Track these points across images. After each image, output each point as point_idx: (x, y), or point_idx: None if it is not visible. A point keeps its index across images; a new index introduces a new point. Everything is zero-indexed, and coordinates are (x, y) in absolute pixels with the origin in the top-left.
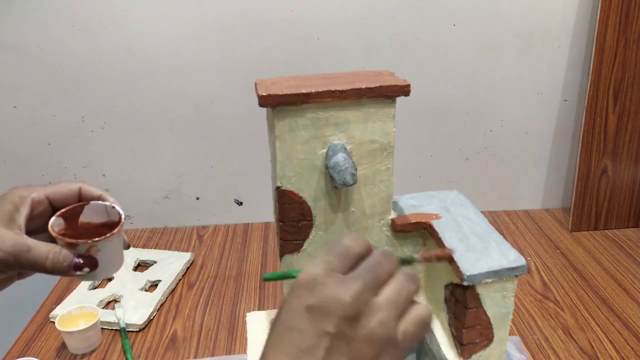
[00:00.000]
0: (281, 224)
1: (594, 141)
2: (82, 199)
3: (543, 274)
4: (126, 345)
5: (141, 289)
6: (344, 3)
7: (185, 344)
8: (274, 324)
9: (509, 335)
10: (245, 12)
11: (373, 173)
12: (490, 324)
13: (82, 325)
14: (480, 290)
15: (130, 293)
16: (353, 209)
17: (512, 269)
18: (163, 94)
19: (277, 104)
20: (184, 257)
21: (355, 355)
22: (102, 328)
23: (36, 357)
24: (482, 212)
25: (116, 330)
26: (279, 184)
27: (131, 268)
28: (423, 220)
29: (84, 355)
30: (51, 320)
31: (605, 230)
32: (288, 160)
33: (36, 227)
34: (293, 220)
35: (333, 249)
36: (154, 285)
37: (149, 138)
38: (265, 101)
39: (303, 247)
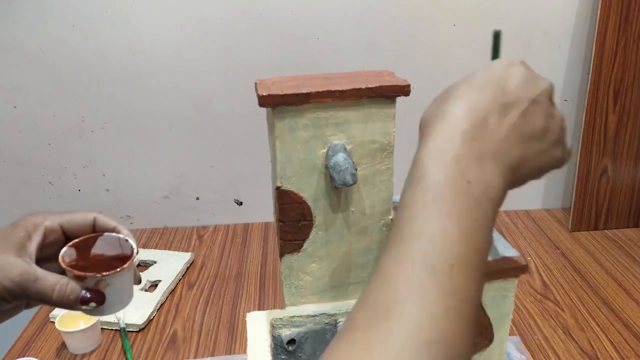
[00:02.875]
0: (281, 224)
1: (594, 141)
2: (96, 230)
3: (543, 274)
4: (126, 345)
5: (141, 289)
6: (344, 3)
7: (185, 344)
8: (473, 79)
9: (509, 335)
10: (245, 12)
11: (373, 173)
12: (490, 324)
13: (82, 325)
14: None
15: None
16: (353, 209)
17: (512, 269)
18: (163, 94)
19: (277, 104)
20: (184, 257)
21: (542, 121)
22: (102, 328)
23: (36, 357)
24: None
25: (116, 330)
26: (279, 184)
27: None
28: None
29: (84, 355)
30: (51, 320)
31: (605, 230)
32: (288, 160)
33: (48, 256)
34: (293, 220)
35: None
36: (154, 285)
37: (149, 138)
38: (265, 101)
39: (303, 247)
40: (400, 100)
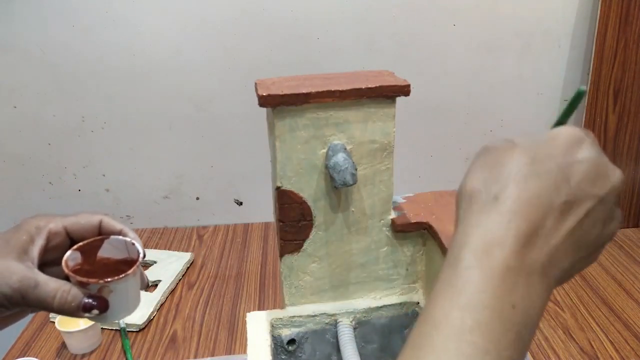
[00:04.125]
0: (281, 224)
1: None
2: (102, 233)
3: None
4: (126, 345)
5: (141, 289)
6: (344, 3)
7: (185, 344)
8: (531, 172)
9: None
10: (245, 11)
11: (373, 173)
12: None
13: (82, 325)
14: None
15: None
16: (353, 209)
17: None
18: (163, 94)
19: (277, 104)
20: (184, 257)
21: (600, 227)
22: (102, 328)
23: (36, 357)
24: None
25: (116, 330)
26: (279, 184)
27: None
28: (424, 220)
29: (84, 355)
30: (51, 320)
31: None
32: (288, 160)
33: (52, 259)
34: (293, 220)
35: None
36: (154, 285)
37: (149, 138)
38: (265, 101)
39: (303, 247)
40: (400, 100)
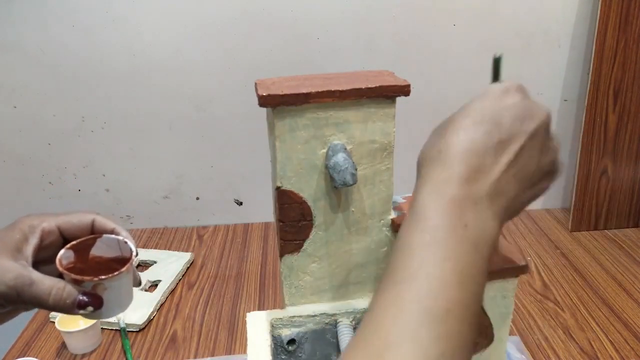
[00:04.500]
0: (281, 224)
1: (594, 141)
2: (94, 231)
3: (543, 274)
4: (126, 345)
5: (141, 289)
6: (344, 3)
7: (185, 344)
8: (464, 115)
9: (509, 335)
10: (245, 12)
11: (373, 173)
12: (490, 324)
13: (82, 325)
14: None
15: None
16: (353, 209)
17: (512, 269)
18: (163, 94)
19: (277, 104)
20: (184, 257)
21: (537, 158)
22: (102, 328)
23: (36, 357)
24: None
25: (116, 330)
26: (279, 184)
27: None
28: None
29: (84, 355)
30: (51, 320)
31: (605, 230)
32: (288, 161)
33: (46, 258)
34: (293, 220)
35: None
36: (154, 285)
37: (149, 138)
38: (265, 101)
39: (303, 247)
40: (400, 100)
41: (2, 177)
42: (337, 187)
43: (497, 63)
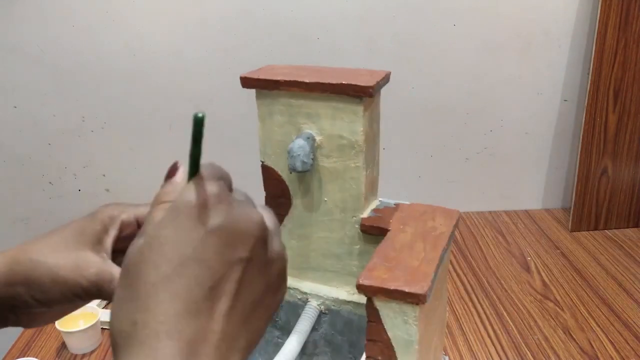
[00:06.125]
0: (265, 196)
1: (594, 141)
2: None
3: (543, 274)
4: None
5: None
6: (344, 3)
7: None
8: (137, 263)
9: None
10: (245, 12)
11: (344, 168)
12: (391, 344)
13: (82, 325)
14: (377, 304)
15: None
16: (325, 199)
17: (407, 293)
18: (163, 94)
19: (253, 86)
20: None
21: (264, 282)
22: (102, 328)
23: (36, 357)
24: (482, 212)
25: None
26: (262, 159)
27: None
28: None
29: (84, 355)
30: None
31: (605, 230)
32: (268, 140)
33: (121, 249)
34: (274, 195)
35: (207, 170)
36: None
37: (149, 138)
38: (244, 83)
39: (283, 222)
40: (400, 99)
41: (2, 177)
42: (290, 171)
43: (198, 128)
